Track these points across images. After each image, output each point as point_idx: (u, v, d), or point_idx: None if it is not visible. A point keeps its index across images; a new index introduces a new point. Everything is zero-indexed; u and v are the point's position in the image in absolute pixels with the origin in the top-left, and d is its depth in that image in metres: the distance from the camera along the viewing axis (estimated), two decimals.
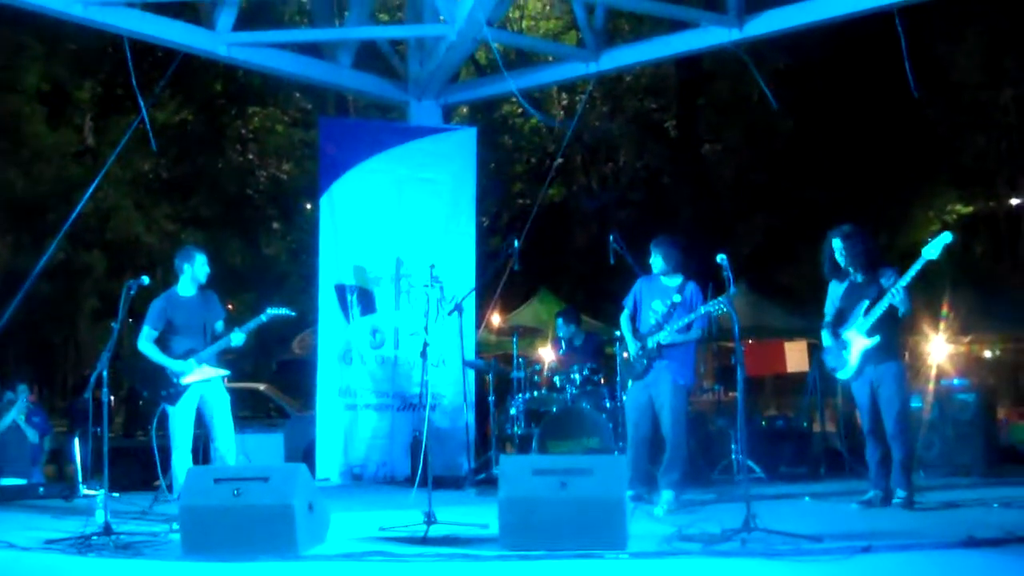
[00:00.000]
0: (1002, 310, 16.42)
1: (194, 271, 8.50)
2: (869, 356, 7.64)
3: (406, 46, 12.94)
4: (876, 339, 7.57)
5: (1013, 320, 16.61)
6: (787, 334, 16.38)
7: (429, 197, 11.50)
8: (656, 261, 8.28)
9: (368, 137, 11.61)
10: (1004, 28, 21.61)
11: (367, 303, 11.14)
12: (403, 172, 11.44)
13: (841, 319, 7.83)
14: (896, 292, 7.41)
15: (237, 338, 8.31)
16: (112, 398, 14.84)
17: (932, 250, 7.29)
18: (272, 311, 8.39)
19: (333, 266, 11.14)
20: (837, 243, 7.80)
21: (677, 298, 8.15)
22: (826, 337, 7.94)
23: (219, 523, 6.15)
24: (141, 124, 10.81)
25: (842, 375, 7.85)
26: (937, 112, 22.66)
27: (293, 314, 8.50)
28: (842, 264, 7.83)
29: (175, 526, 6.58)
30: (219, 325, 8.50)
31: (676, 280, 8.26)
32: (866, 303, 7.61)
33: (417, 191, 11.47)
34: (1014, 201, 24.60)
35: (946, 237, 7.30)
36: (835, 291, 7.93)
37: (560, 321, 10.99)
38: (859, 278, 7.77)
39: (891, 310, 7.51)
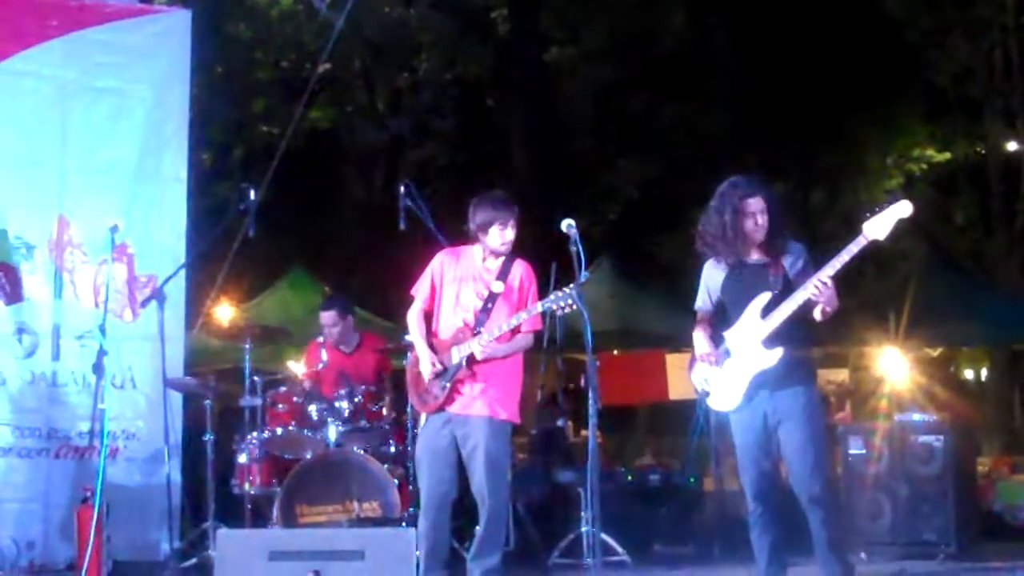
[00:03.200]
0: (991, 309, 16.77)
1: None
2: (765, 377, 7.70)
3: None
4: (778, 352, 7.68)
5: (1006, 323, 16.98)
6: (671, 342, 16.63)
7: (113, 119, 11.33)
8: (495, 214, 8.26)
9: (14, 20, 11.34)
10: None
11: (11, 287, 10.88)
12: (70, 78, 11.20)
13: (723, 316, 7.93)
14: (820, 286, 7.49)
15: None
16: None
17: (877, 226, 7.38)
18: None
19: None
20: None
21: (499, 286, 8.24)
22: (700, 342, 7.97)
23: None
24: None
25: (720, 404, 7.92)
26: (905, 10, 23.37)
27: None
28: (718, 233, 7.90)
29: None
30: None
31: (499, 258, 8.36)
32: (767, 297, 7.69)
33: (93, 109, 11.27)
34: (1012, 146, 25.39)
35: (901, 208, 7.41)
36: (712, 275, 8.00)
37: (325, 316, 10.97)
38: (752, 258, 7.86)
39: (804, 311, 7.62)
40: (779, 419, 7.63)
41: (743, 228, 7.71)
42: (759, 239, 7.75)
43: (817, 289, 7.39)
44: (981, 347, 23.25)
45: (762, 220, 7.70)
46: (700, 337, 7.95)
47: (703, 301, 8.04)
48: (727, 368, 7.78)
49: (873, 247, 7.44)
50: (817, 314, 7.54)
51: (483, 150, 24.69)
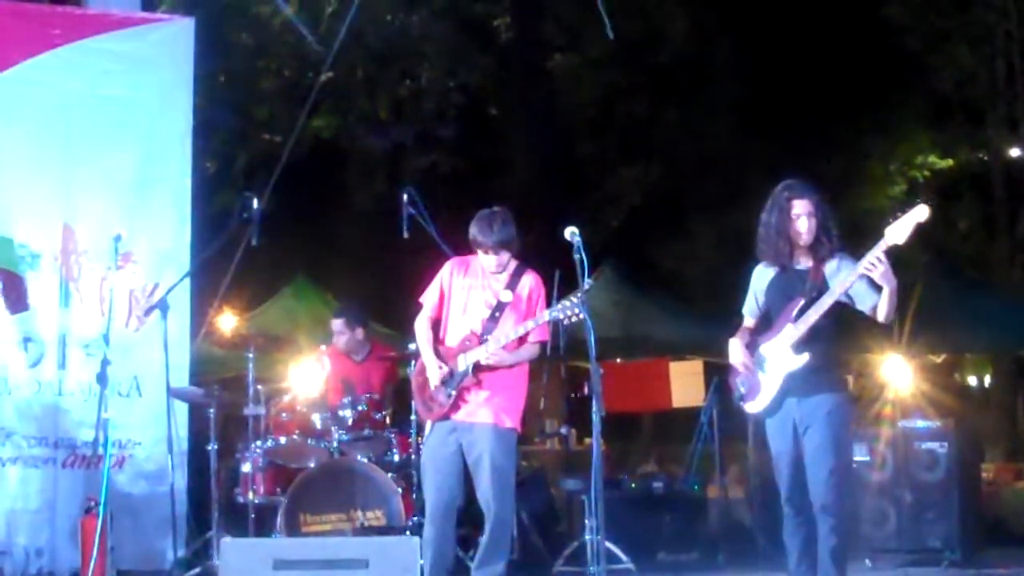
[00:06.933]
0: (994, 315, 16.77)
1: None
2: (793, 383, 7.74)
3: None
4: (804, 358, 7.69)
5: (1010, 330, 17.00)
6: (674, 350, 16.65)
7: (118, 127, 11.34)
8: (478, 237, 8.36)
9: (17, 29, 11.35)
10: None
11: (16, 296, 10.88)
12: (75, 86, 11.22)
13: (767, 323, 7.95)
14: (876, 261, 7.36)
15: None
16: None
17: (898, 231, 7.37)
18: None
19: None
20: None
21: (507, 296, 8.25)
22: (735, 349, 8.02)
23: None
24: None
25: (753, 407, 7.98)
26: (906, 16, 23.35)
27: None
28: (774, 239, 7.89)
29: None
30: None
31: (506, 268, 8.37)
32: (800, 303, 7.69)
33: (98, 117, 11.29)
34: (1015, 152, 25.40)
35: (919, 213, 7.41)
36: (760, 279, 8.05)
37: (334, 323, 11.03)
38: (799, 263, 7.88)
39: (835, 314, 7.64)
40: (806, 425, 7.69)
41: (788, 230, 7.76)
42: (803, 243, 7.78)
43: (872, 265, 7.41)
44: (985, 353, 23.26)
45: (808, 223, 7.73)
46: (734, 344, 8.03)
47: (748, 306, 8.11)
48: (763, 373, 7.82)
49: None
50: (881, 307, 7.56)
51: (486, 157, 24.65)
